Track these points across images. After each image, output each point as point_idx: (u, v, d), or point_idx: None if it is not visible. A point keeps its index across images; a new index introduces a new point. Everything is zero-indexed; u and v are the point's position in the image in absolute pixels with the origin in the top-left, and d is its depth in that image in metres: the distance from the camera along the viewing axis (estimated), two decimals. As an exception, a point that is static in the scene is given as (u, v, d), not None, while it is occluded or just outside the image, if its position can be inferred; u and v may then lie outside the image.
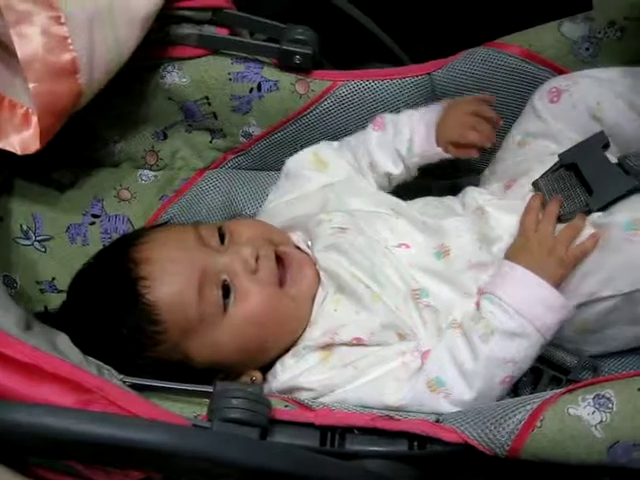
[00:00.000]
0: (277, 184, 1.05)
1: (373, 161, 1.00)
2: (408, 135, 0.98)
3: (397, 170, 1.00)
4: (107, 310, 0.85)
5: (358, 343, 0.84)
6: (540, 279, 0.81)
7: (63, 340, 0.76)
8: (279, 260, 0.90)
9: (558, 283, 0.83)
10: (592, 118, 0.93)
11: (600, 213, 0.86)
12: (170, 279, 0.84)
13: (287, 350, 0.88)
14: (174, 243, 0.88)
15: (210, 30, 1.01)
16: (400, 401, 0.81)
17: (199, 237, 0.89)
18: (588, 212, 0.86)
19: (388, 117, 1.01)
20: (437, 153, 0.96)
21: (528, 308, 0.80)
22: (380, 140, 1.00)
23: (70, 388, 0.68)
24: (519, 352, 0.80)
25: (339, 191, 0.98)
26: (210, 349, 0.85)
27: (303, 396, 0.83)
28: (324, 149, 1.04)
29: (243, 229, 0.92)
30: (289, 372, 0.85)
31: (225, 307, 0.85)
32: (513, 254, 0.86)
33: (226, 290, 0.86)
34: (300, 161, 1.04)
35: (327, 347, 0.85)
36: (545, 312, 0.81)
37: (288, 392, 0.85)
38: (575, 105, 0.93)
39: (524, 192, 0.91)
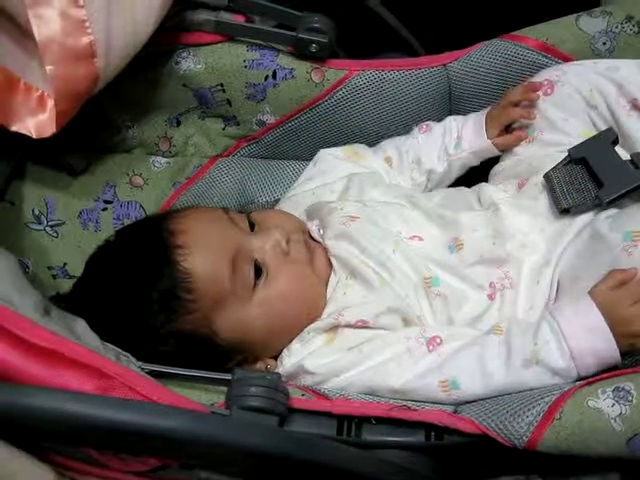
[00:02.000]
0: (304, 172, 1.06)
1: (417, 157, 1.02)
2: (456, 133, 1.00)
3: (440, 167, 1.01)
4: (138, 275, 0.85)
5: (363, 325, 0.84)
6: (611, 336, 0.76)
7: (81, 325, 0.75)
8: None
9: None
10: (588, 106, 0.93)
11: (607, 215, 0.85)
12: (205, 250, 0.85)
13: None
14: (209, 219, 0.90)
15: (226, 17, 1.01)
16: (404, 385, 0.80)
17: (230, 219, 0.91)
18: (598, 205, 0.86)
19: (432, 123, 1.03)
20: (486, 146, 0.97)
21: (583, 357, 0.76)
22: (427, 138, 1.02)
23: (90, 374, 0.68)
24: (547, 384, 0.77)
25: (361, 181, 0.99)
26: (237, 325, 0.86)
27: (308, 381, 0.83)
28: (361, 146, 1.06)
29: (271, 217, 0.94)
30: (294, 356, 0.86)
31: (255, 285, 0.87)
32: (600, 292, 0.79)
33: (257, 270, 0.87)
34: (334, 150, 1.05)
35: (332, 330, 0.86)
36: (596, 364, 0.77)
37: (294, 377, 0.85)
38: (571, 95, 0.93)
39: (536, 192, 0.90)
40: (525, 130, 0.97)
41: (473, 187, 0.98)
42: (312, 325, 0.86)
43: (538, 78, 0.96)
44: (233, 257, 0.86)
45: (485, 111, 1.00)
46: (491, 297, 0.86)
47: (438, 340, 0.82)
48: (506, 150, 0.99)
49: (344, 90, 1.04)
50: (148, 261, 0.85)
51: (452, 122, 1.01)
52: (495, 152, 0.99)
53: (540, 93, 0.95)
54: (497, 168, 0.99)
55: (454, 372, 0.79)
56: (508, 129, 0.99)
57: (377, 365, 0.82)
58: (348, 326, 0.85)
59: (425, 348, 0.81)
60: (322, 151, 1.06)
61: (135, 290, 0.85)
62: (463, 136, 1.00)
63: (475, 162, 1.01)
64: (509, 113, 0.96)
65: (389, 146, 1.04)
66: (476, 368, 0.79)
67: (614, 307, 0.77)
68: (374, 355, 0.82)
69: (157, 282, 0.84)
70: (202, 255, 0.85)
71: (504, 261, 0.87)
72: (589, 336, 0.76)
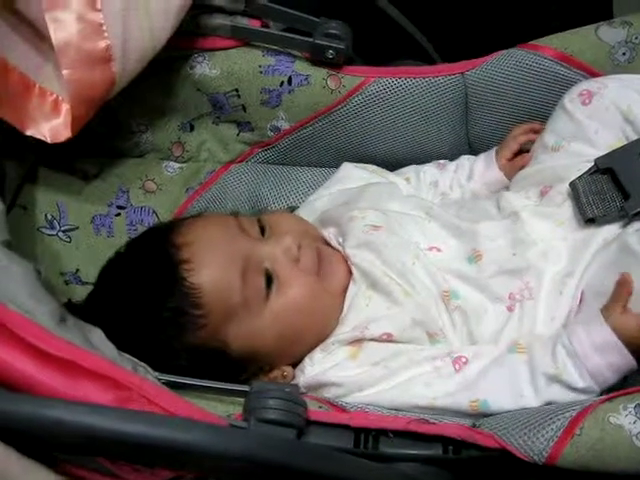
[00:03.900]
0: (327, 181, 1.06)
1: (434, 180, 1.05)
2: (468, 169, 1.03)
3: (453, 194, 1.04)
4: (146, 294, 0.84)
5: (388, 339, 0.84)
6: (626, 350, 0.77)
7: (97, 335, 0.74)
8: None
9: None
10: (625, 120, 0.92)
11: (636, 229, 0.84)
12: (213, 263, 0.84)
13: (317, 346, 0.87)
14: (216, 229, 0.88)
15: (242, 22, 1.00)
16: (432, 402, 0.80)
17: (240, 225, 0.89)
18: (624, 216, 0.85)
19: (447, 161, 1.07)
20: (497, 176, 1.02)
21: (602, 373, 0.77)
22: (441, 169, 1.06)
23: (107, 385, 0.66)
24: (570, 399, 0.78)
25: (378, 191, 0.98)
26: (250, 336, 0.85)
27: (331, 392, 0.83)
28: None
29: (282, 221, 0.93)
30: (317, 367, 0.85)
31: (267, 295, 0.85)
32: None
33: (268, 278, 0.86)
34: (358, 164, 1.06)
35: (356, 342, 0.85)
36: (614, 377, 0.78)
37: (315, 388, 0.84)
38: (608, 107, 0.93)
39: (560, 200, 0.90)
40: (530, 153, 0.99)
41: (493, 195, 0.98)
42: (337, 337, 0.85)
43: (577, 89, 0.96)
44: (243, 267, 0.84)
45: (495, 148, 1.04)
46: (510, 309, 0.85)
47: (464, 359, 0.82)
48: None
49: (360, 97, 1.03)
50: (155, 278, 0.84)
51: (465, 160, 1.05)
52: (506, 182, 1.01)
53: (578, 102, 0.95)
54: (519, 176, 0.99)
55: (484, 393, 0.79)
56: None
57: (403, 383, 0.81)
58: (373, 340, 0.84)
59: (452, 368, 0.81)
60: (345, 163, 1.07)
61: (144, 307, 0.84)
62: (474, 170, 1.03)
63: (487, 193, 1.02)
64: (516, 138, 1.01)
65: (408, 169, 1.06)
66: (506, 390, 0.79)
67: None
68: (400, 373, 0.81)
69: (165, 300, 0.83)
70: (210, 269, 0.83)
71: (525, 271, 0.86)
72: (604, 355, 0.77)
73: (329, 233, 0.94)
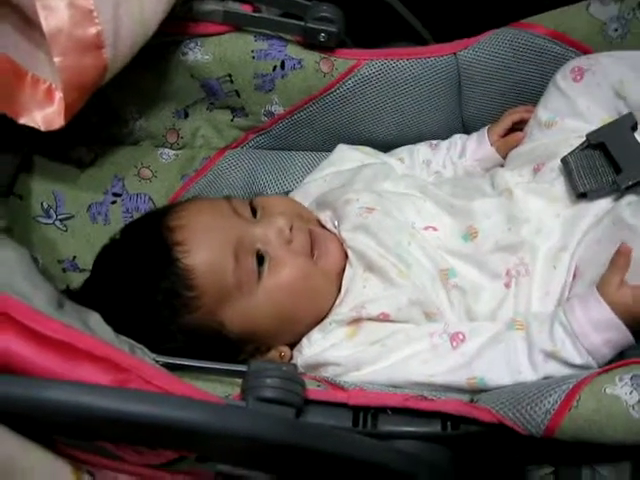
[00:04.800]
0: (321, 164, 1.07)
1: (427, 159, 1.04)
2: (460, 146, 1.04)
3: (447, 173, 1.04)
4: (141, 276, 0.85)
5: (385, 319, 0.84)
6: (624, 326, 0.77)
7: (94, 318, 0.75)
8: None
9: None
10: (617, 96, 0.92)
11: (628, 202, 0.84)
12: (207, 245, 0.85)
13: (314, 327, 0.88)
14: (209, 211, 0.89)
15: (234, 7, 1.00)
16: (430, 379, 0.80)
17: (233, 208, 0.90)
18: (616, 190, 0.85)
19: (440, 140, 1.07)
20: (489, 152, 1.01)
21: (599, 350, 0.78)
22: (434, 149, 1.06)
23: (105, 367, 0.67)
24: (568, 374, 0.78)
25: (373, 171, 0.99)
26: (244, 317, 0.85)
27: (329, 372, 0.83)
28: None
29: (275, 203, 0.93)
30: (315, 347, 0.85)
31: (260, 275, 0.86)
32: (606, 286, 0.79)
33: (260, 259, 0.86)
34: (352, 145, 1.06)
35: (354, 322, 0.85)
36: (612, 352, 0.78)
37: (313, 367, 0.85)
38: (599, 83, 0.93)
39: (553, 176, 0.90)
40: (524, 132, 0.99)
41: (487, 172, 0.99)
42: (334, 317, 0.86)
43: (569, 66, 0.96)
44: (235, 249, 0.85)
45: (488, 126, 1.04)
46: (507, 285, 0.86)
47: (461, 336, 0.82)
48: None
49: (353, 80, 1.03)
50: (149, 261, 0.85)
51: (457, 138, 1.05)
52: (498, 159, 1.01)
53: (569, 79, 0.95)
54: (513, 153, 0.99)
55: (482, 370, 0.79)
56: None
57: (400, 361, 0.81)
58: (370, 319, 0.84)
59: (449, 345, 0.81)
60: (339, 145, 1.07)
61: (139, 290, 0.85)
62: (467, 147, 1.03)
63: (480, 171, 1.02)
64: (511, 116, 1.02)
65: (401, 149, 1.07)
66: (503, 366, 0.79)
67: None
68: (397, 350, 0.82)
69: (159, 282, 0.84)
70: (202, 250, 0.84)
71: (519, 247, 0.86)
72: (602, 332, 0.77)
73: (325, 216, 0.94)
